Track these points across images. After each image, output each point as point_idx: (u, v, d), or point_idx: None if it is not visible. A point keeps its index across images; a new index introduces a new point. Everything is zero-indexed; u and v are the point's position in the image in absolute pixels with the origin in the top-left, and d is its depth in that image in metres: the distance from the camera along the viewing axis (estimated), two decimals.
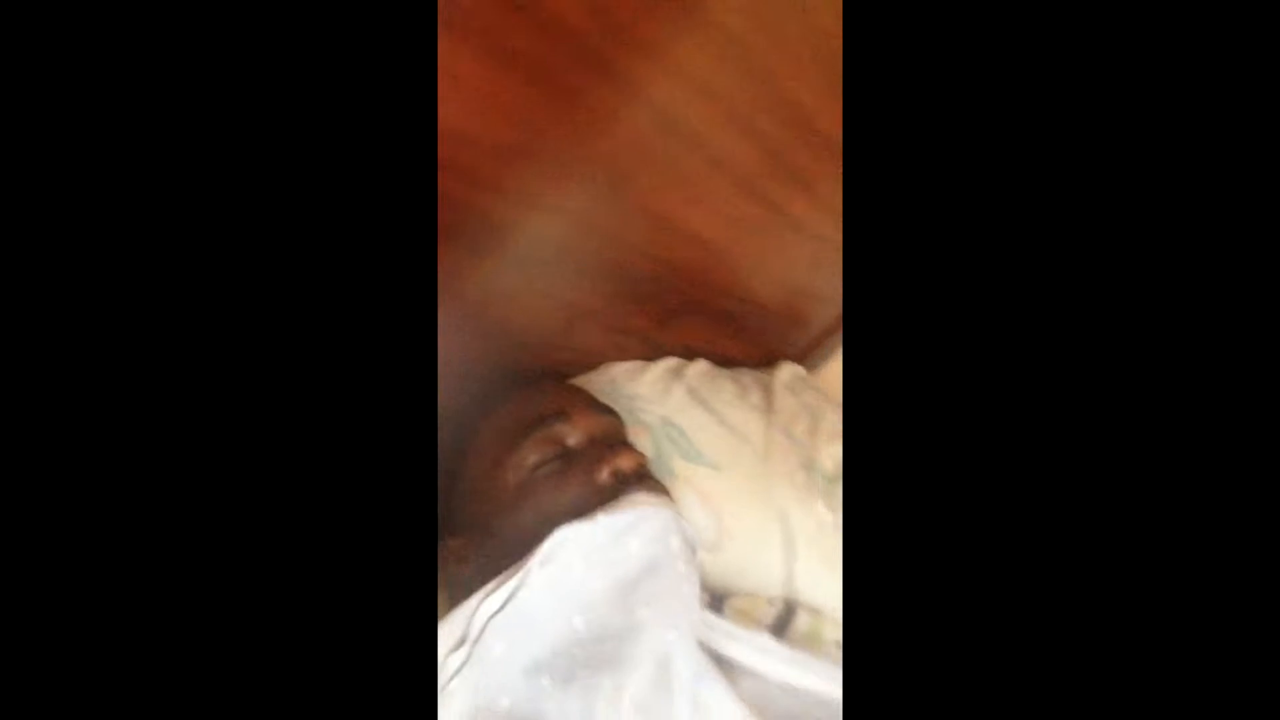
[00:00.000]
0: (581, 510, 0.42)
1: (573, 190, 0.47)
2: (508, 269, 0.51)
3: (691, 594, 0.42)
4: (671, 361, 0.69)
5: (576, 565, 0.40)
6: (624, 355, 0.69)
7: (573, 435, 0.49)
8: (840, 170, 0.59)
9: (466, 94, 0.37)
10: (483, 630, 0.37)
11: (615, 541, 0.41)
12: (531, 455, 0.47)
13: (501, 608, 0.38)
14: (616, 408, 0.61)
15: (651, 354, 0.70)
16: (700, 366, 0.70)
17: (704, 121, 0.48)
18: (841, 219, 0.65)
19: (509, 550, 0.42)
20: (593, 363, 0.68)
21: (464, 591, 0.41)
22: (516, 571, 0.39)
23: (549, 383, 0.56)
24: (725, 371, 0.72)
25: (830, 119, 0.53)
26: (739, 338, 0.77)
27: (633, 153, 0.47)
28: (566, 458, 0.48)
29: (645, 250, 0.57)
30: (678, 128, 0.47)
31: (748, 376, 0.73)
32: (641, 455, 0.49)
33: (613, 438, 0.51)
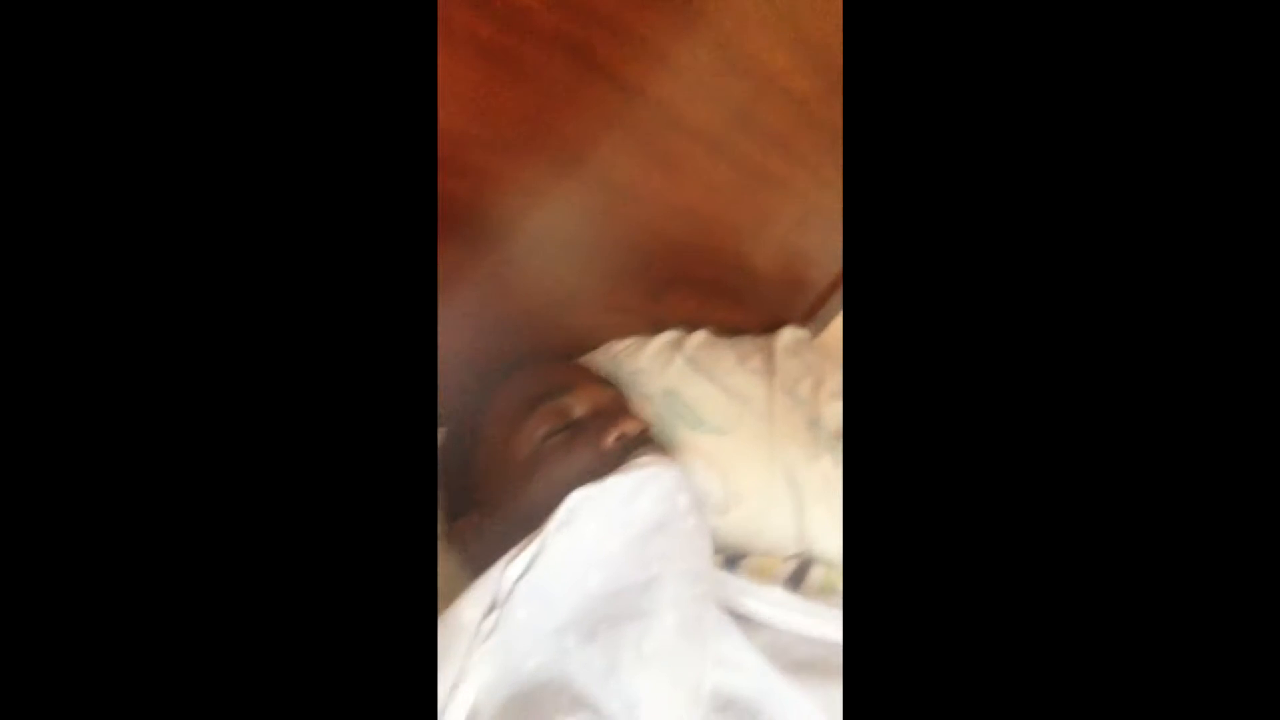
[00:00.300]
0: (590, 476, 0.43)
1: (555, 173, 0.48)
2: (500, 256, 0.52)
3: (704, 549, 0.43)
4: (671, 334, 0.70)
5: (591, 527, 0.41)
6: (624, 333, 0.70)
7: (578, 407, 0.51)
8: (816, 126, 0.59)
9: (450, 86, 0.38)
10: (510, 594, 0.38)
11: (626, 502, 0.42)
12: (539, 428, 0.49)
13: (525, 572, 0.39)
14: (620, 383, 0.62)
15: (652, 330, 0.71)
16: (700, 337, 0.70)
17: (673, 90, 0.48)
18: (824, 173, 0.65)
19: (524, 521, 0.43)
20: (593, 343, 0.69)
21: (482, 565, 0.42)
22: (536, 536, 0.40)
23: (549, 361, 0.58)
24: (725, 340, 0.73)
25: (805, 77, 0.53)
26: (739, 306, 0.77)
27: (608, 128, 0.48)
28: (573, 428, 0.49)
29: (633, 226, 0.58)
30: (648, 100, 0.47)
31: (749, 343, 0.74)
32: (645, 421, 0.51)
33: (617, 407, 0.53)
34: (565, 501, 0.41)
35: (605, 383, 0.56)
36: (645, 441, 0.49)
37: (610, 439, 0.47)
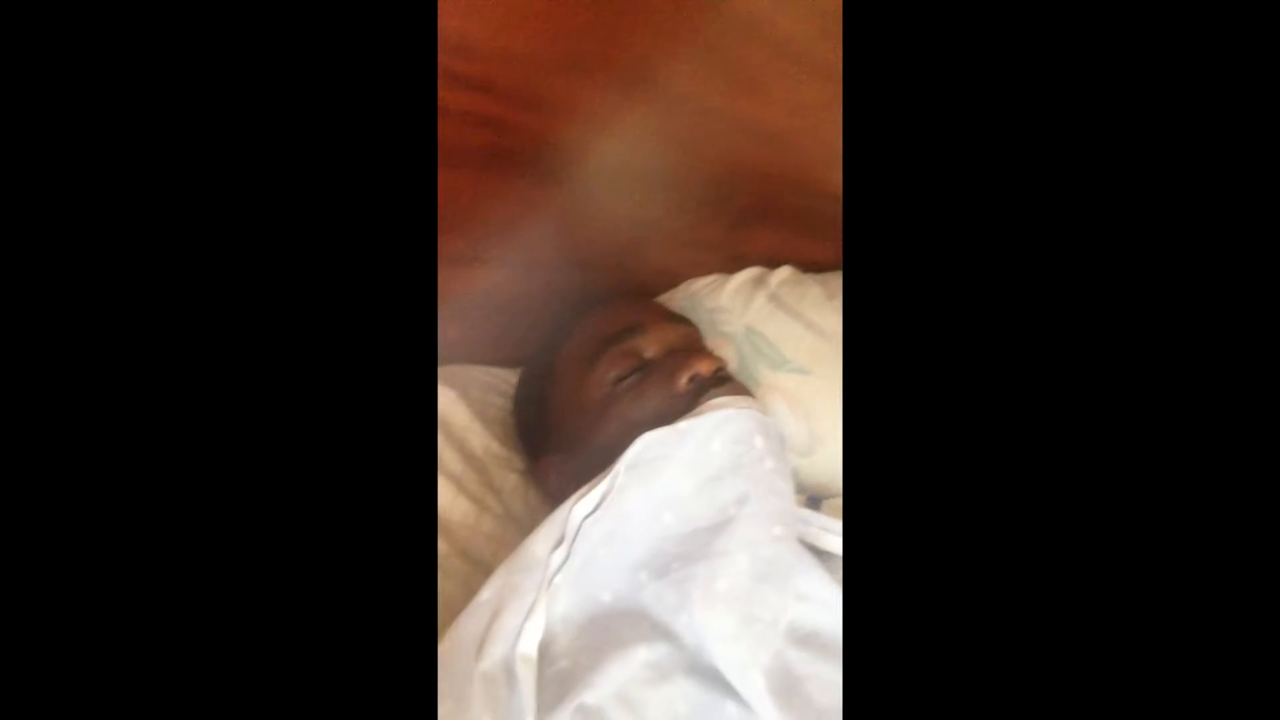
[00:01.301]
0: (664, 418, 0.42)
1: (625, 97, 0.46)
2: (570, 190, 0.51)
3: (783, 490, 0.42)
4: (754, 271, 0.67)
5: (663, 468, 0.40)
6: (703, 270, 0.68)
7: (649, 347, 0.50)
8: None
9: (502, 6, 0.36)
10: (578, 531, 0.39)
11: (699, 444, 0.41)
12: (611, 370, 0.48)
13: (595, 509, 0.39)
14: (697, 321, 0.60)
15: (733, 266, 0.68)
16: (783, 273, 0.67)
17: (754, 4, 0.44)
18: None
19: (600, 461, 0.43)
20: (671, 280, 0.67)
21: (561, 502, 0.43)
22: (605, 477, 0.40)
23: (622, 299, 0.56)
24: (812, 276, 0.69)
25: None
26: (826, 240, 0.73)
27: (681, 44, 0.45)
28: (645, 369, 0.48)
29: (712, 154, 0.55)
30: (726, 9, 0.44)
31: (835, 280, 0.70)
32: (719, 359, 0.49)
33: (689, 345, 0.52)
34: (634, 444, 0.40)
35: (679, 320, 0.54)
36: (722, 381, 0.47)
37: (682, 380, 0.46)
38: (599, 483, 0.40)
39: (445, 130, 0.40)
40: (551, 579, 0.37)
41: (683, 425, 0.41)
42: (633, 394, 0.47)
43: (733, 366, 0.60)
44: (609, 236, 0.58)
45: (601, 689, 0.34)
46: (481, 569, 0.47)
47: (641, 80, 0.45)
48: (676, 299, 0.65)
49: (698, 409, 0.43)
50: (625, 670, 0.35)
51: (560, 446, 0.50)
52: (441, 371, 0.57)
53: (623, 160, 0.51)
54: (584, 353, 0.50)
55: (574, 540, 0.38)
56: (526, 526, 0.45)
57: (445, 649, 0.36)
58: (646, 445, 0.40)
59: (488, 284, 0.55)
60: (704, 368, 0.47)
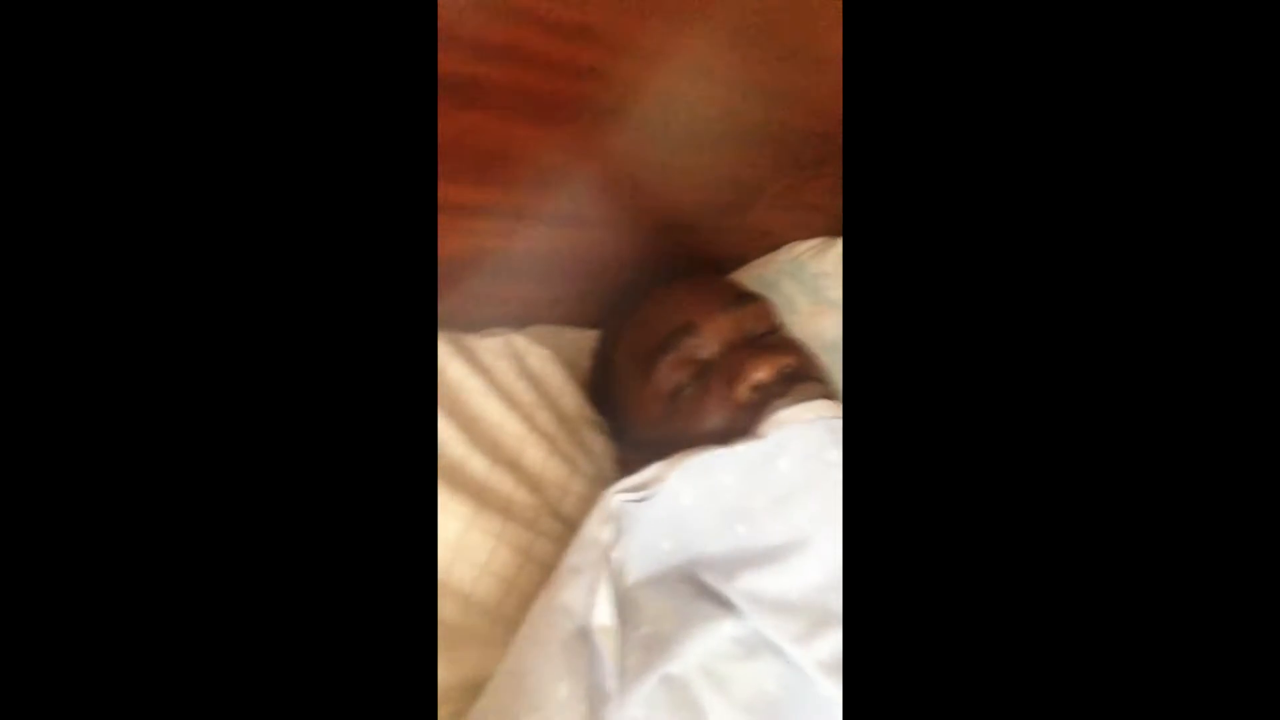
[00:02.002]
0: (730, 434, 0.41)
1: (727, 50, 0.43)
2: (667, 148, 0.49)
3: None
4: None
5: (728, 483, 0.39)
6: (806, 233, 0.64)
7: (706, 347, 0.46)
8: None
9: None
10: (620, 511, 0.39)
11: (764, 463, 0.39)
12: (667, 383, 0.46)
13: (634, 495, 0.40)
14: (801, 288, 0.57)
15: (839, 230, 0.64)
16: None
17: None
18: None
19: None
20: (771, 243, 0.64)
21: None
22: (650, 469, 0.40)
23: (679, 286, 0.51)
24: None
25: None
26: None
27: None
28: (703, 376, 0.45)
29: (816, 103, 0.51)
30: None
31: None
32: (787, 353, 0.45)
33: (752, 337, 0.47)
34: (689, 459, 0.39)
35: (743, 301, 0.49)
36: (791, 380, 0.43)
37: (742, 392, 0.43)
38: (643, 473, 0.40)
39: (529, 80, 0.39)
40: (607, 554, 0.38)
41: (741, 448, 0.39)
42: (692, 407, 0.44)
43: (832, 336, 0.57)
44: (707, 196, 0.56)
45: (686, 660, 0.33)
46: (571, 529, 0.48)
47: (747, 28, 0.42)
48: (778, 262, 0.62)
49: (761, 426, 0.40)
50: (710, 643, 0.34)
51: (632, 446, 0.49)
52: (534, 330, 0.57)
53: (723, 115, 0.48)
54: (638, 358, 0.48)
55: (619, 520, 0.39)
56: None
57: (525, 627, 0.38)
58: (707, 463, 0.39)
59: (577, 244, 0.54)
60: (764, 373, 0.43)
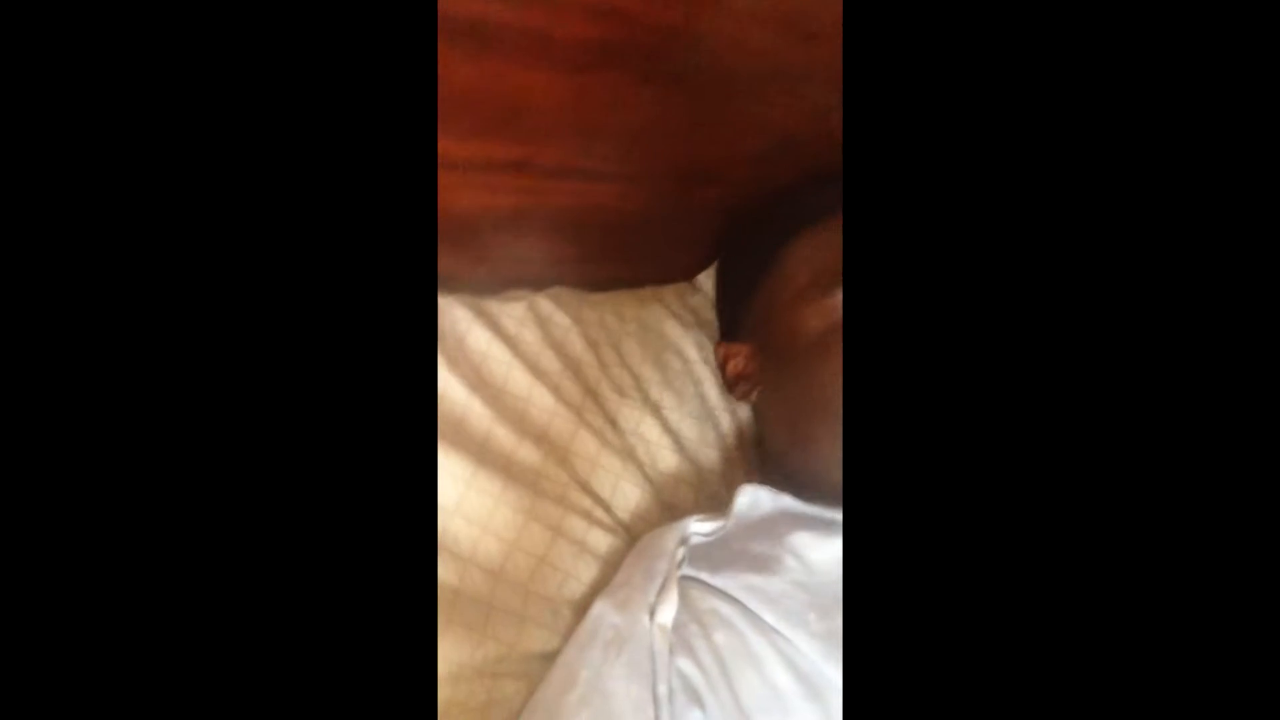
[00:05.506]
0: None
1: None
2: (689, 93, 0.45)
3: None
4: None
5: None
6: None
7: None
8: None
9: None
10: (687, 546, 0.40)
11: None
12: (825, 317, 0.43)
13: (708, 538, 0.40)
14: None
15: None
16: None
17: None
18: None
19: (794, 374, 0.42)
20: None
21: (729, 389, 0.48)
22: (721, 518, 0.41)
23: None
24: None
25: None
26: None
27: None
28: None
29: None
30: None
31: None
32: None
33: None
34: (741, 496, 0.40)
35: None
36: None
37: None
38: (717, 519, 0.41)
39: (542, 22, 0.35)
40: (678, 567, 0.38)
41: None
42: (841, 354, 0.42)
43: None
44: (735, 146, 0.52)
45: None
46: (601, 504, 0.47)
47: None
48: None
49: None
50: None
51: (753, 336, 0.48)
52: (554, 293, 0.54)
53: (752, 57, 0.45)
54: (801, 279, 0.45)
55: (689, 546, 0.40)
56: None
57: (584, 623, 0.37)
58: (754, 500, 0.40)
59: (598, 198, 0.51)
60: None
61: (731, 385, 0.51)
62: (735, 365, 0.49)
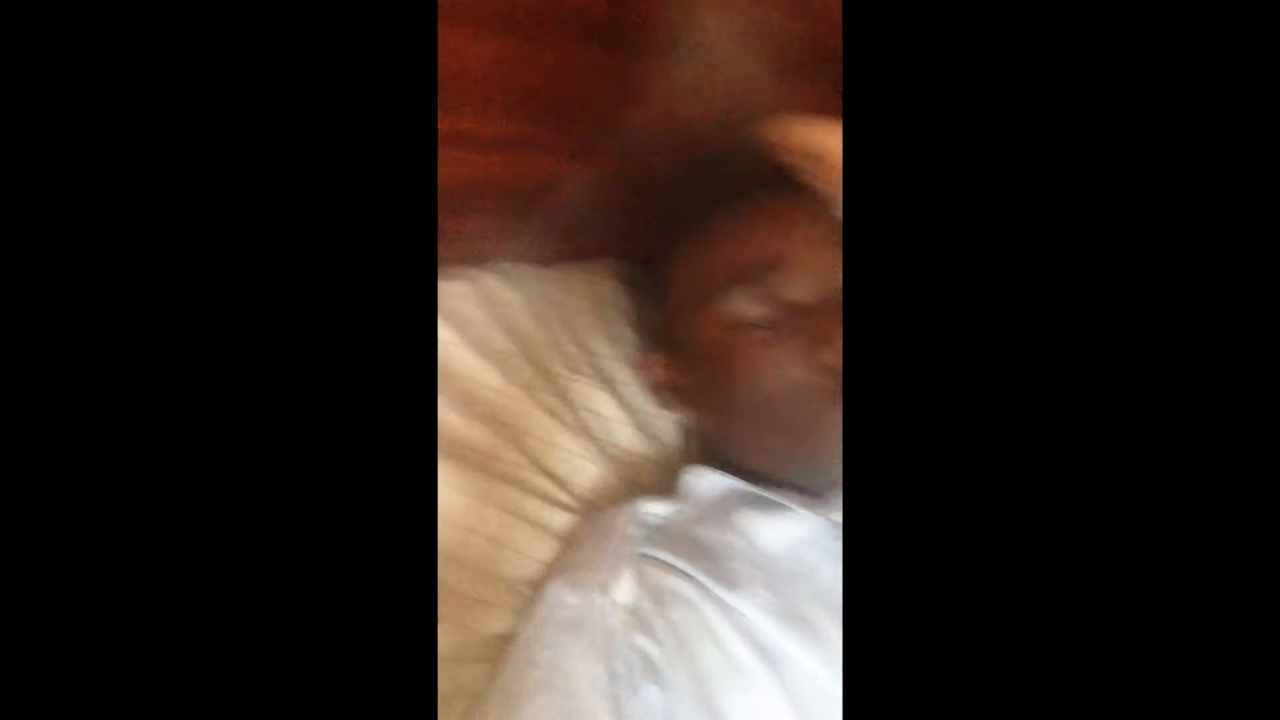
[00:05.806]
0: (793, 391, 0.38)
1: None
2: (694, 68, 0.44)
3: None
4: None
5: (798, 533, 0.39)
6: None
7: (793, 288, 0.40)
8: None
9: None
10: (643, 526, 0.39)
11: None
12: (740, 313, 0.40)
13: (663, 518, 0.40)
14: None
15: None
16: None
17: None
18: None
19: (715, 394, 0.42)
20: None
21: (667, 402, 0.46)
22: (674, 502, 0.42)
23: (767, 204, 0.42)
24: None
25: None
26: None
27: None
28: (780, 324, 0.39)
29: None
30: None
31: None
32: None
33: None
34: (705, 481, 0.41)
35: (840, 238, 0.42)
36: None
37: (828, 355, 0.38)
38: (669, 504, 0.41)
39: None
40: (635, 547, 0.38)
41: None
42: (758, 350, 0.39)
43: None
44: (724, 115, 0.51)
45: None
46: (559, 484, 0.46)
47: None
48: None
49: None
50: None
51: (668, 345, 0.45)
52: (499, 267, 0.53)
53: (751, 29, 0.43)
54: (704, 275, 0.42)
55: (644, 526, 0.40)
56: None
57: (538, 603, 0.36)
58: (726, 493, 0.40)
59: (591, 173, 0.50)
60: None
61: (654, 396, 0.48)
62: (654, 376, 0.46)
